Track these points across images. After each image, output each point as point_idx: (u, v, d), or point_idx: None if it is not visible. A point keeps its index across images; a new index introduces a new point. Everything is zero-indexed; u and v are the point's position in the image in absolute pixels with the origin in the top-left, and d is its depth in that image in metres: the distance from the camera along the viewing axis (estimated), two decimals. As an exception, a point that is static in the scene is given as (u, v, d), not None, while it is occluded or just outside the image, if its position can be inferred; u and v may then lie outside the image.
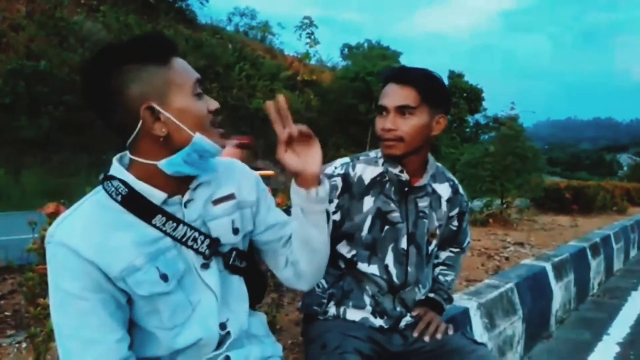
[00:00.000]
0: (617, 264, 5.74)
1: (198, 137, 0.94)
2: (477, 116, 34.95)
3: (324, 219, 1.09)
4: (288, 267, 1.18)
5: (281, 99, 1.02)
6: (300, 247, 1.13)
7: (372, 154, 1.58)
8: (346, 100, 24.52)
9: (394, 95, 1.42)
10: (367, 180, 1.51)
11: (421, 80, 1.42)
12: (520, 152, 6.58)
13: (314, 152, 1.05)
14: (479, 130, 34.40)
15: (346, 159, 1.57)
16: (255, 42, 26.13)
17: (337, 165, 1.54)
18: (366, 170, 1.52)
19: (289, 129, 1.01)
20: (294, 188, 1.07)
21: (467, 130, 33.60)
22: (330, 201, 1.47)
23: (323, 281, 1.54)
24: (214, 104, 0.99)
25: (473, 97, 33.45)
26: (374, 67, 25.18)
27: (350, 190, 1.49)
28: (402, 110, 1.40)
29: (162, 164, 0.94)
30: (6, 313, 2.11)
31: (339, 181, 1.50)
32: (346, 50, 35.71)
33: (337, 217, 1.49)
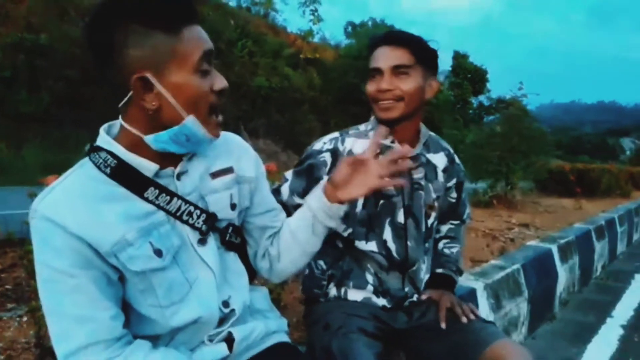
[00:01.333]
0: (621, 247, 5.71)
1: (190, 120, 0.87)
2: (481, 97, 34.66)
3: (325, 233, 1.11)
4: (265, 259, 1.16)
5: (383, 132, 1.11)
6: (292, 246, 1.11)
7: (362, 127, 1.52)
8: (349, 79, 24.25)
9: (388, 56, 1.37)
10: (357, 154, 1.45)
11: (414, 41, 1.38)
12: (527, 133, 6.49)
13: (363, 185, 1.05)
14: (482, 111, 34.15)
15: (335, 134, 1.50)
16: (258, 18, 25.70)
17: (326, 141, 1.48)
18: (356, 143, 1.46)
19: (372, 156, 1.04)
20: (319, 195, 1.07)
21: (471, 111, 33.35)
22: (320, 178, 1.41)
23: (322, 262, 1.50)
24: (219, 83, 0.91)
25: (477, 78, 33.09)
26: (378, 45, 24.86)
27: None
28: (398, 69, 1.35)
29: (149, 138, 0.88)
30: (7, 286, 2.08)
31: (327, 157, 1.44)
32: (350, 28, 35.16)
33: None
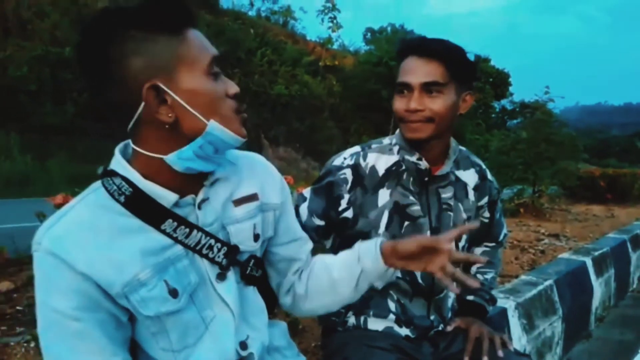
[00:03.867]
0: (657, 257, 5.44)
1: (213, 125, 0.78)
2: (504, 101, 34.14)
3: (366, 287, 1.03)
4: (289, 294, 1.06)
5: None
6: (327, 293, 1.02)
7: (386, 140, 1.40)
8: (369, 85, 24.15)
9: (419, 70, 1.23)
10: (381, 171, 1.33)
11: (448, 53, 1.23)
12: (555, 139, 6.26)
13: (422, 265, 0.96)
14: (505, 116, 33.62)
15: (356, 148, 1.39)
16: (277, 26, 25.89)
17: (347, 156, 1.36)
18: (380, 159, 1.34)
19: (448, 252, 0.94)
20: (375, 254, 0.97)
21: (493, 116, 32.87)
22: (340, 197, 1.31)
23: None
24: (233, 87, 0.83)
25: (499, 82, 32.66)
26: (398, 51, 24.73)
27: (362, 184, 1.32)
28: (429, 87, 1.22)
29: (170, 158, 0.79)
30: (18, 307, 2.03)
31: (348, 174, 1.32)
32: (369, 34, 35.11)
33: (349, 214, 1.32)
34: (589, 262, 3.31)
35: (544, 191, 6.56)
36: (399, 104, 1.27)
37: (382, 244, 0.98)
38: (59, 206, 1.69)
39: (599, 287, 3.35)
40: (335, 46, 27.21)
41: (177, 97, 0.76)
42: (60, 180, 10.58)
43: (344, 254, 1.04)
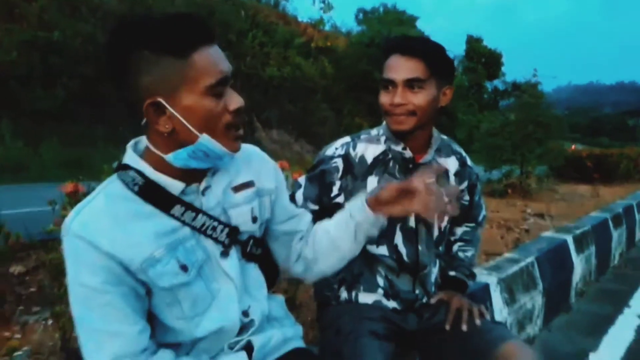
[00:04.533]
0: (639, 234, 5.64)
1: (204, 139, 0.90)
2: (496, 82, 34.21)
3: (364, 239, 1.15)
4: (299, 262, 1.19)
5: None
6: (332, 252, 1.15)
7: (374, 131, 1.52)
8: (361, 66, 24.08)
9: (402, 68, 1.34)
10: (369, 160, 1.46)
11: (428, 51, 1.35)
12: (543, 121, 6.41)
13: (404, 208, 1.08)
14: (497, 96, 33.71)
15: (347, 139, 1.52)
16: (268, 7, 25.60)
17: (338, 146, 1.49)
18: (368, 149, 1.47)
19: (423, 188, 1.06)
20: (362, 207, 1.10)
21: (485, 96, 32.95)
22: (332, 184, 1.44)
23: None
24: (234, 104, 0.92)
25: (492, 62, 32.66)
26: (390, 32, 24.59)
27: (352, 171, 1.45)
28: (411, 83, 1.34)
29: (169, 157, 0.92)
30: (31, 289, 2.15)
31: (339, 162, 1.45)
32: (361, 15, 34.82)
33: (341, 199, 1.45)
34: (570, 239, 3.48)
35: (531, 172, 6.73)
36: (384, 98, 1.39)
37: (367, 198, 1.12)
38: (70, 194, 1.81)
39: (579, 263, 3.53)
40: (327, 27, 27.05)
41: (174, 112, 0.87)
42: (53, 165, 10.61)
43: (338, 215, 1.17)
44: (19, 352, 1.46)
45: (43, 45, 12.46)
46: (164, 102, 0.86)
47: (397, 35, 1.51)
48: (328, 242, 1.16)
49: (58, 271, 1.83)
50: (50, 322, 1.81)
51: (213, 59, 0.89)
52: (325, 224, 1.19)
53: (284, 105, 18.84)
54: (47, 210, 2.23)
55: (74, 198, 1.82)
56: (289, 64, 20.32)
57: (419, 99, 1.34)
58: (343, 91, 23.42)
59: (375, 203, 1.10)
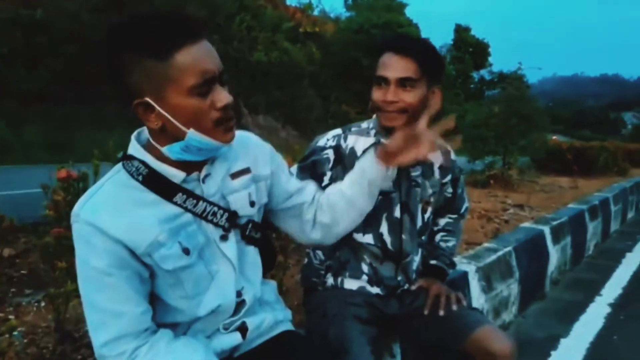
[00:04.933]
0: (614, 226, 5.83)
1: (192, 133, 0.95)
2: (483, 72, 34.44)
3: (378, 192, 1.25)
4: (316, 229, 1.27)
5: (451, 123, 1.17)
6: (350, 211, 1.24)
7: (364, 124, 1.59)
8: (349, 53, 24.02)
9: (395, 66, 1.41)
10: (359, 152, 1.52)
11: (421, 52, 1.42)
12: (526, 114, 6.54)
13: (412, 155, 1.15)
14: (483, 86, 33.96)
15: (338, 131, 1.58)
16: (257, -9, 25.28)
17: (329, 137, 1.56)
18: (358, 141, 1.54)
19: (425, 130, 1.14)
20: (373, 163, 1.18)
21: (472, 86, 33.17)
22: (323, 174, 1.51)
23: (320, 253, 1.60)
24: (221, 101, 0.95)
25: (479, 52, 32.83)
26: (379, 19, 24.53)
27: (343, 162, 1.52)
28: (404, 82, 1.40)
29: (165, 150, 0.98)
30: (22, 272, 2.19)
31: (330, 153, 1.52)
32: (350, 0, 34.63)
33: None
34: (547, 230, 3.61)
35: (513, 163, 6.88)
36: (378, 95, 1.45)
37: (376, 152, 1.20)
38: (62, 179, 1.84)
39: (555, 253, 3.67)
40: (315, 12, 26.86)
41: (162, 111, 0.93)
42: (37, 147, 10.50)
43: (349, 176, 1.26)
44: (15, 333, 1.51)
45: (26, 24, 12.22)
46: (151, 102, 0.92)
47: (392, 33, 1.57)
48: (345, 203, 1.23)
49: (51, 255, 1.87)
50: (43, 304, 1.86)
51: (197, 58, 0.91)
52: (338, 187, 1.27)
53: (271, 91, 18.76)
54: (32, 193, 2.26)
55: (66, 184, 1.86)
56: (277, 49, 20.17)
57: (411, 97, 1.41)
58: (331, 78, 23.36)
59: (384, 156, 1.18)
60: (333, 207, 1.25)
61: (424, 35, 28.33)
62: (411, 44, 1.43)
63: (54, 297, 1.58)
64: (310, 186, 1.30)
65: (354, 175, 1.24)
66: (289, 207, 1.25)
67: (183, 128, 0.94)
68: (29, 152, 10.01)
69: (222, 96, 0.95)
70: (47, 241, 1.68)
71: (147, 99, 0.92)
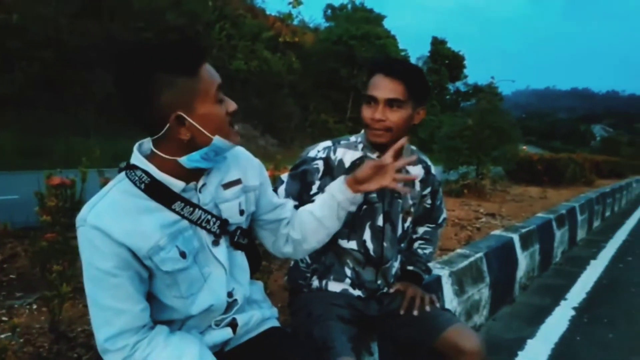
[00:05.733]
0: (581, 234, 6.10)
1: (217, 140, 1.07)
2: (458, 84, 35.17)
3: (345, 215, 1.37)
4: (288, 244, 1.39)
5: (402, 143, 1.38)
6: (319, 230, 1.36)
7: (353, 138, 1.71)
8: (328, 63, 24.32)
9: (385, 88, 1.52)
10: (347, 164, 1.64)
11: (409, 76, 1.53)
12: (498, 126, 6.81)
13: (378, 183, 1.32)
14: (459, 97, 34.66)
15: (328, 143, 1.69)
16: (237, -1, 25.38)
17: (320, 149, 1.67)
18: (346, 154, 1.65)
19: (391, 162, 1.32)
20: (342, 188, 1.33)
21: (447, 97, 33.82)
22: (312, 183, 1.62)
23: (307, 257, 1.71)
24: (232, 106, 1.10)
25: (455, 64, 33.55)
26: (357, 30, 24.91)
27: (331, 173, 1.63)
28: (391, 102, 1.52)
29: (183, 160, 1.08)
30: (11, 276, 2.24)
31: (320, 164, 1.63)
32: (329, 11, 35.06)
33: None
34: (516, 238, 3.80)
35: (486, 174, 7.13)
36: (367, 112, 1.57)
37: (345, 179, 1.34)
38: (55, 186, 1.91)
39: (524, 260, 3.86)
40: (295, 22, 27.08)
41: (194, 123, 1.04)
42: (11, 152, 10.31)
43: (320, 198, 1.38)
44: (8, 334, 1.58)
45: (1, 28, 12.02)
46: (184, 115, 1.03)
47: (378, 58, 1.69)
48: (314, 223, 1.35)
49: (44, 260, 1.94)
50: (35, 306, 1.92)
51: (211, 71, 1.06)
52: (309, 207, 1.39)
53: (250, 99, 18.81)
54: (11, 199, 2.31)
55: (59, 190, 1.93)
56: (256, 58, 20.28)
57: (396, 117, 1.53)
58: (310, 87, 23.55)
59: (353, 182, 1.33)
60: (303, 226, 1.36)
61: (401, 47, 28.84)
62: (401, 67, 1.55)
63: (50, 299, 1.65)
64: (289, 204, 1.41)
65: (324, 198, 1.37)
66: (270, 220, 1.36)
67: (210, 136, 1.06)
68: (4, 158, 9.84)
69: (231, 102, 1.11)
70: (42, 245, 1.74)
71: (180, 113, 1.02)
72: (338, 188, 1.34)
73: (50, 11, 13.19)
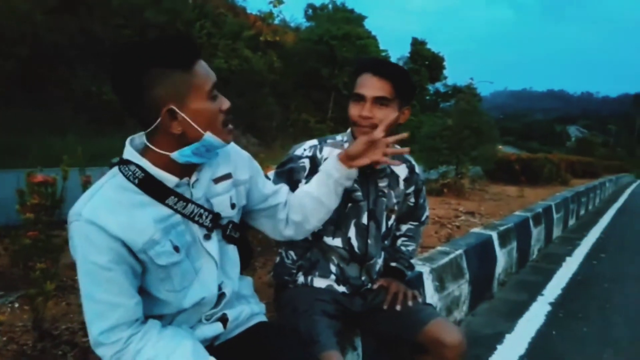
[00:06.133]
0: (557, 232, 6.26)
1: (208, 136, 1.09)
2: (438, 84, 35.52)
3: (342, 191, 1.43)
4: (289, 227, 1.43)
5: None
6: (319, 209, 1.40)
7: (339, 137, 1.73)
8: (309, 63, 24.33)
9: (372, 86, 1.54)
10: None
11: (397, 76, 1.57)
12: (477, 126, 6.93)
13: (369, 158, 1.37)
14: (438, 98, 35.02)
15: (314, 142, 1.72)
16: (218, -2, 25.17)
17: (306, 147, 1.69)
18: (333, 152, 1.64)
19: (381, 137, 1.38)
20: (336, 165, 1.38)
21: (427, 98, 34.14)
22: (299, 181, 1.64)
23: (292, 253, 1.73)
24: (226, 104, 1.12)
25: (434, 65, 33.86)
26: (338, 30, 24.97)
27: (317, 172, 1.64)
28: (379, 100, 1.55)
29: (174, 155, 1.09)
30: (-10, 275, 2.20)
31: (306, 163, 1.65)
32: (310, 10, 35.03)
33: None
34: (495, 235, 3.88)
35: (465, 173, 7.25)
36: (354, 110, 1.59)
37: (338, 156, 1.39)
38: (38, 184, 1.90)
39: (502, 257, 3.95)
40: (276, 21, 27.00)
41: (185, 117, 1.06)
42: (-14, 151, 10.04)
43: (315, 178, 1.43)
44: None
45: (-26, 23, 11.71)
46: (176, 109, 1.04)
47: (366, 58, 1.72)
48: (313, 202, 1.39)
49: (26, 256, 1.92)
50: (17, 304, 1.90)
51: (206, 68, 1.09)
52: (306, 188, 1.43)
53: (231, 99, 18.42)
54: None
55: (42, 188, 1.92)
56: (237, 57, 20.14)
57: (383, 114, 1.55)
58: (291, 87, 23.52)
59: (346, 159, 1.37)
60: (303, 206, 1.40)
61: (382, 47, 29.02)
62: (388, 67, 1.59)
63: (34, 297, 1.63)
64: (284, 189, 1.44)
65: (320, 177, 1.41)
66: (265, 208, 1.39)
67: (201, 131, 1.07)
68: (-22, 156, 9.57)
69: (225, 100, 1.13)
70: (25, 243, 1.73)
71: (172, 107, 1.04)
72: (333, 165, 1.38)
73: (26, 7, 12.89)
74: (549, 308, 3.53)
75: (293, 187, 1.64)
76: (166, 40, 1.05)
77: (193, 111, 1.06)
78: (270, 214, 1.41)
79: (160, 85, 1.02)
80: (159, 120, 1.05)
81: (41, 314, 1.67)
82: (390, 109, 1.57)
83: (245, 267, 1.41)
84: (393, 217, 1.78)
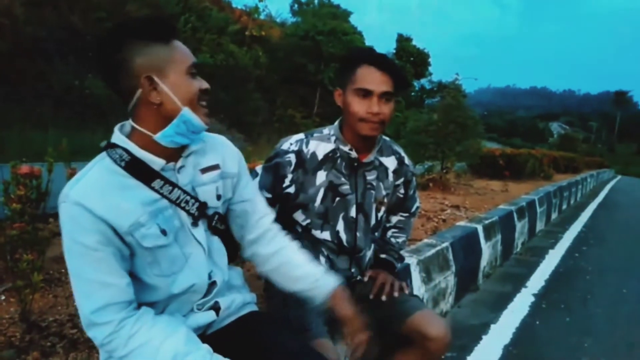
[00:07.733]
0: (540, 226, 6.36)
1: (185, 110, 1.10)
2: (423, 81, 35.71)
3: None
4: (251, 249, 1.41)
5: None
6: (284, 279, 1.41)
7: (326, 130, 1.71)
8: (295, 58, 24.26)
9: (379, 81, 1.52)
10: (320, 156, 1.65)
11: (397, 70, 1.57)
12: (462, 121, 6.99)
13: (352, 335, 1.40)
14: (424, 94, 35.22)
15: (301, 135, 1.70)
16: (202, -8, 24.92)
17: (293, 142, 1.67)
18: (319, 146, 1.66)
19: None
20: (327, 295, 1.38)
21: (413, 94, 34.30)
22: (285, 176, 1.63)
23: None
24: (205, 84, 1.15)
25: (419, 62, 34.00)
26: (324, 25, 24.93)
27: (304, 166, 1.64)
28: (384, 95, 1.54)
29: (158, 136, 1.10)
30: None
31: (292, 157, 1.63)
32: (296, 5, 34.89)
33: (292, 190, 1.64)
34: (480, 228, 3.94)
35: (450, 168, 7.31)
36: (360, 106, 1.55)
37: (335, 289, 1.38)
38: (24, 175, 1.87)
39: (487, 250, 4.01)
40: (262, 16, 26.84)
41: (164, 87, 1.07)
42: (-36, 146, 9.83)
43: (312, 268, 1.40)
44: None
45: (-48, 15, 11.42)
46: (155, 78, 1.06)
47: (364, 48, 1.72)
48: (287, 275, 1.39)
49: (11, 249, 1.89)
50: (3, 297, 1.88)
51: (187, 50, 1.13)
52: (296, 260, 1.40)
53: (216, 94, 18.52)
54: None
55: (28, 180, 1.89)
56: (223, 52, 19.98)
57: (388, 109, 1.56)
58: (277, 82, 23.44)
59: (333, 301, 1.37)
60: (277, 264, 1.39)
61: (367, 43, 29.07)
62: (390, 61, 1.58)
63: (21, 289, 1.62)
64: (262, 206, 1.42)
65: (313, 273, 1.38)
66: (239, 211, 1.37)
67: (179, 104, 1.09)
68: (-44, 151, 9.37)
69: (204, 82, 1.15)
70: (12, 234, 1.71)
71: (152, 75, 1.06)
72: (325, 287, 1.38)
73: (5, 0, 12.63)
74: (532, 299, 3.61)
75: (279, 182, 1.63)
76: (146, 17, 1.09)
77: (172, 83, 1.08)
78: (242, 222, 1.38)
79: (141, 55, 1.06)
80: (140, 91, 1.07)
81: (28, 306, 1.66)
82: (392, 103, 1.58)
83: (232, 261, 1.41)
84: (383, 209, 1.78)
